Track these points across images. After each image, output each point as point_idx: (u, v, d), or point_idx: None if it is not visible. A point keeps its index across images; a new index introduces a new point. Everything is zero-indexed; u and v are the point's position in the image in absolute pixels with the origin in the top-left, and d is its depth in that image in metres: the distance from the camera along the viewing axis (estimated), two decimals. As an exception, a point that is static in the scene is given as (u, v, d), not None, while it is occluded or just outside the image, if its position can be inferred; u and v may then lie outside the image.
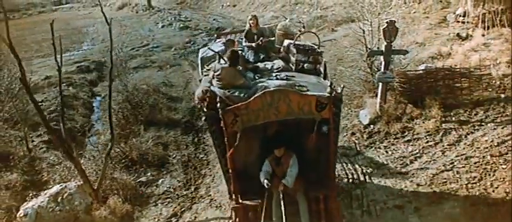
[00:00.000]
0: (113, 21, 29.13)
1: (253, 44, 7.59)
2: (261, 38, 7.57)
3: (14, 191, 10.03)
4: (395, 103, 10.49)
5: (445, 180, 7.85)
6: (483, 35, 14.24)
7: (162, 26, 26.24)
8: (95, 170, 9.39)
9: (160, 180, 9.50)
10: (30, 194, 9.37)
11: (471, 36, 14.48)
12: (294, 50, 7.09)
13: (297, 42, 7.15)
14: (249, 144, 6.47)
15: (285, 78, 6.63)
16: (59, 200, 7.84)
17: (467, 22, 15.38)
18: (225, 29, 24.73)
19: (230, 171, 6.39)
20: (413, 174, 8.17)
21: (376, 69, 11.04)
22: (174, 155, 10.38)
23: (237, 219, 6.58)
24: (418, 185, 7.84)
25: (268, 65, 7.25)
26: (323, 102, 5.96)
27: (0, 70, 13.91)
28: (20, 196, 9.78)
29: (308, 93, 6.10)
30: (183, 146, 10.76)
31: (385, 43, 9.91)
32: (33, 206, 7.77)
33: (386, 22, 9.73)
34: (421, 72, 10.91)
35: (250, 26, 7.83)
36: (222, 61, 6.64)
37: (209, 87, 6.32)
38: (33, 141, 12.92)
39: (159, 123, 12.06)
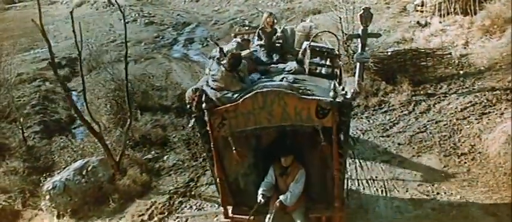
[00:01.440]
0: (76, 18, 29.81)
1: (263, 42, 7.35)
2: (276, 35, 7.36)
3: (21, 176, 10.93)
4: (370, 81, 12.24)
5: (420, 139, 9.61)
6: (440, 22, 16.35)
7: (127, 22, 26.84)
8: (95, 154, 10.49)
9: (165, 157, 10.68)
10: (42, 177, 10.35)
11: (429, 23, 16.56)
12: (308, 52, 6.69)
13: (312, 44, 6.74)
14: (242, 151, 5.99)
15: (291, 80, 6.17)
16: (83, 172, 8.88)
17: (425, 11, 17.48)
18: (190, 23, 25.95)
19: (218, 180, 6.08)
20: (393, 136, 9.89)
21: (352, 52, 12.75)
22: (173, 135, 11.55)
23: None
24: (399, 144, 9.56)
25: (281, 67, 6.89)
26: (325, 108, 5.41)
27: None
28: (28, 179, 10.74)
29: (308, 96, 5.57)
30: (180, 127, 11.94)
31: (362, 27, 11.60)
32: (60, 179, 8.77)
33: (363, 9, 11.41)
34: (391, 53, 12.73)
35: (265, 24, 7.54)
36: (223, 62, 6.04)
37: (202, 86, 5.90)
38: (24, 132, 13.61)
39: (152, 108, 13.18)
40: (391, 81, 12.22)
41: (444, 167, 8.63)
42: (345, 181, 6.66)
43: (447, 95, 11.39)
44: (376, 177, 8.38)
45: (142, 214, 8.19)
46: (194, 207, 8.17)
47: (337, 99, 5.40)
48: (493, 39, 13.54)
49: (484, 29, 14.08)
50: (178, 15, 28.22)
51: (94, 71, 19.80)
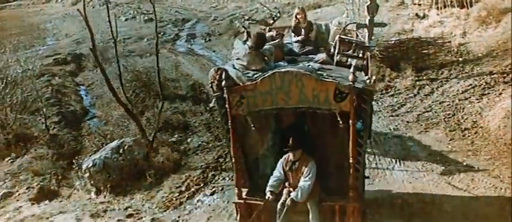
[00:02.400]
0: (71, 16, 30.82)
1: (300, 38, 7.63)
2: (311, 28, 7.63)
3: (50, 160, 11.97)
4: (376, 68, 13.46)
5: (427, 118, 10.86)
6: (438, 14, 17.65)
7: (126, 19, 27.95)
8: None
9: (188, 139, 11.77)
10: (74, 159, 11.41)
11: (427, 15, 17.85)
12: (338, 43, 6.80)
13: (342, 36, 6.92)
14: (260, 133, 6.26)
15: (316, 67, 6.35)
16: (120, 151, 9.94)
17: (423, 4, 18.79)
18: (189, 19, 27.01)
19: (233, 159, 6.20)
20: (402, 115, 11.12)
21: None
22: (194, 121, 12.65)
23: (239, 217, 6.39)
24: (407, 122, 10.79)
25: (310, 58, 7.10)
26: (343, 91, 5.49)
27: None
28: (57, 164, 11.79)
29: (326, 79, 5.69)
30: (199, 113, 13.04)
31: (369, 17, 12.80)
32: (99, 157, 9.82)
33: (370, 0, 12.62)
34: (394, 42, 13.98)
35: (298, 19, 7.81)
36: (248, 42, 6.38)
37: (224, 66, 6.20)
38: (43, 123, 14.60)
39: (169, 97, 14.24)
40: (395, 68, 13.46)
41: (450, 140, 9.86)
42: (364, 173, 6.65)
43: (448, 80, 12.66)
44: (390, 148, 9.55)
45: (179, 186, 9.27)
46: (227, 178, 9.25)
47: (357, 85, 5.45)
48: (489, 29, 14.84)
49: (481, 20, 15.37)
50: (176, 12, 29.22)
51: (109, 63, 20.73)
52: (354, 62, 6.65)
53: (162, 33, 24.73)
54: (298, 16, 7.89)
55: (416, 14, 18.04)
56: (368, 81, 5.77)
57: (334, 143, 6.06)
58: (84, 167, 9.98)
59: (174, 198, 8.92)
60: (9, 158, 12.69)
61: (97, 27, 26.87)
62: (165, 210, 8.64)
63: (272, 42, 7.11)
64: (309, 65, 6.51)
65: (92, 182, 9.90)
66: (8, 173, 11.51)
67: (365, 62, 6.72)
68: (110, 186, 9.70)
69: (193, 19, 27.06)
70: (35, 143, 13.05)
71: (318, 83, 5.60)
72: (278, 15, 20.66)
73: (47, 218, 8.64)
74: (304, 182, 5.92)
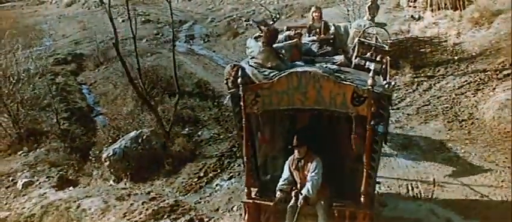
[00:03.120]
0: (66, 17, 31.59)
1: (315, 37, 7.74)
2: (328, 33, 7.76)
3: (64, 153, 12.73)
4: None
5: (426, 110, 11.84)
6: (432, 16, 18.72)
7: (122, 21, 28.57)
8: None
9: (199, 132, 12.60)
10: (91, 151, 12.20)
11: (422, 17, 18.90)
12: (356, 46, 6.85)
13: (361, 39, 6.93)
14: (273, 133, 6.39)
15: (333, 69, 6.39)
16: (139, 141, 10.74)
17: (418, 6, 19.87)
18: (186, 21, 27.83)
19: (245, 158, 6.27)
20: (403, 109, 12.08)
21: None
22: (203, 115, 13.49)
23: (247, 217, 6.43)
24: (408, 114, 11.75)
25: (328, 60, 7.17)
26: (361, 95, 5.53)
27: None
28: (71, 156, 12.54)
29: (344, 82, 5.72)
30: (207, 108, 13.88)
31: (370, 17, 13.79)
32: (119, 146, 10.60)
33: (371, 1, 13.61)
34: (393, 41, 14.96)
35: (313, 18, 8.04)
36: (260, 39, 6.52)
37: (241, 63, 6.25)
38: (52, 119, 15.30)
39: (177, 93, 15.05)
40: (394, 66, 14.40)
41: (448, 130, 10.84)
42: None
43: (445, 77, 13.66)
44: (392, 138, 10.48)
45: (197, 172, 10.10)
46: (243, 165, 10.06)
47: (375, 89, 5.46)
48: (482, 30, 15.90)
49: (474, 21, 16.44)
50: (172, 13, 29.94)
51: (102, 66, 21.52)
52: (372, 65, 6.68)
53: (160, 34, 25.59)
54: (314, 14, 8.11)
55: (412, 16, 19.08)
56: (387, 86, 5.74)
57: (348, 146, 5.90)
58: (104, 156, 10.74)
59: (193, 183, 9.73)
60: (21, 151, 13.39)
61: (94, 28, 27.76)
62: (186, 194, 9.45)
63: (289, 41, 7.25)
64: (326, 67, 6.49)
65: (111, 170, 10.66)
66: (25, 164, 12.23)
67: (383, 66, 6.69)
68: (130, 173, 10.47)
69: (190, 21, 27.85)
70: (47, 138, 13.75)
71: (335, 85, 5.62)
72: (278, 16, 21.57)
73: (74, 201, 9.35)
74: (312, 177, 5.94)
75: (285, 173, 6.19)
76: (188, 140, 11.60)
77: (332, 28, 7.94)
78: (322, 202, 6.13)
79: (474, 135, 10.51)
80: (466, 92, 12.48)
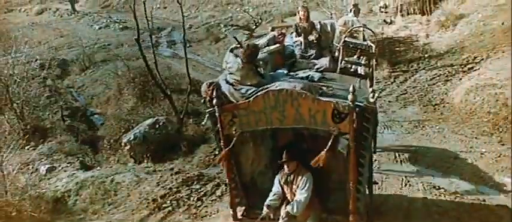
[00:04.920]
0: (39, 25, 33.11)
1: (298, 40, 7.81)
2: (314, 30, 7.81)
3: (73, 144, 14.46)
4: (358, 62, 16.89)
5: (404, 98, 14.31)
6: (402, 21, 21.47)
7: (99, 28, 30.30)
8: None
9: (203, 122, 14.56)
10: (105, 140, 13.99)
11: (394, 21, 21.63)
12: (341, 48, 7.09)
13: (347, 39, 7.18)
14: (256, 151, 6.34)
15: (316, 78, 6.65)
16: (156, 126, 12.66)
17: (389, 12, 22.62)
18: (164, 28, 29.69)
19: (227, 180, 6.35)
20: (384, 97, 14.50)
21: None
22: (203, 108, 15.40)
23: None
24: (389, 101, 14.20)
25: (312, 63, 7.40)
26: (342, 112, 5.50)
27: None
28: (80, 148, 14.30)
29: (323, 98, 5.67)
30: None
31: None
32: (139, 131, 12.49)
33: (353, 5, 16.01)
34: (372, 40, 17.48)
35: (300, 18, 7.99)
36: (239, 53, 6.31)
37: (218, 80, 6.19)
38: (52, 117, 16.97)
39: (175, 90, 17.01)
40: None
41: (424, 113, 13.31)
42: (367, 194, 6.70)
43: (418, 71, 16.24)
44: (378, 120, 12.81)
45: (212, 151, 12.09)
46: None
47: (357, 103, 5.45)
48: (448, 31, 18.65)
49: (440, 24, 19.21)
50: (148, 21, 31.74)
51: (88, 70, 23.19)
52: (361, 69, 7.07)
53: (141, 40, 27.32)
54: (300, 14, 8.07)
55: (384, 20, 21.78)
56: (371, 96, 5.82)
57: (334, 161, 5.89)
58: (124, 141, 12.59)
59: (211, 160, 11.73)
60: (28, 146, 14.97)
61: (73, 34, 29.24)
62: (206, 168, 11.43)
63: (272, 46, 7.54)
64: (308, 75, 6.75)
65: (131, 153, 12.51)
66: (41, 155, 13.85)
67: (370, 69, 6.95)
68: (150, 155, 12.34)
69: (168, 27, 29.73)
70: (51, 133, 15.38)
71: (314, 103, 5.57)
72: (260, 21, 23.97)
73: (107, 177, 11.15)
74: (300, 194, 5.98)
75: (275, 188, 6.26)
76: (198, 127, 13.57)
77: (318, 26, 8.00)
78: (312, 218, 6.24)
79: (446, 115, 12.99)
80: (437, 83, 15.03)
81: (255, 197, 6.66)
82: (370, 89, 6.25)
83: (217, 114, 5.98)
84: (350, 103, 5.43)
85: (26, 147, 14.86)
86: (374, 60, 7.66)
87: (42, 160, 13.49)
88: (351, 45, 7.41)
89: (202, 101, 6.41)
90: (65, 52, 26.05)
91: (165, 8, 34.18)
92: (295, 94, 5.65)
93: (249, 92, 5.92)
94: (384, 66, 16.47)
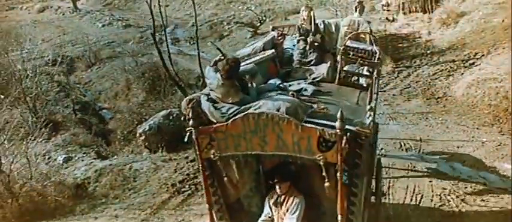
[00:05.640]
0: (41, 23, 33.97)
1: (300, 44, 7.53)
2: (314, 36, 7.44)
3: (86, 136, 15.20)
4: (362, 58, 17.70)
5: (408, 91, 15.10)
6: (404, 19, 22.29)
7: (103, 26, 31.03)
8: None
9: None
10: (119, 132, 14.73)
11: (396, 19, 22.44)
12: (340, 58, 6.69)
13: (349, 43, 6.82)
14: (240, 174, 5.92)
15: (309, 92, 6.29)
16: (170, 118, 13.39)
17: (391, 10, 23.44)
18: (167, 26, 30.43)
19: (207, 206, 5.94)
20: (388, 91, 15.30)
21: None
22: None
23: None
24: (393, 95, 14.98)
25: (309, 72, 7.08)
26: (328, 140, 5.06)
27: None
28: (94, 140, 15.04)
29: (308, 125, 5.16)
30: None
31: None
32: (153, 122, 13.22)
33: (358, 2, 16.84)
34: (376, 37, 18.28)
35: (304, 19, 7.64)
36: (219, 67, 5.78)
37: (199, 96, 5.81)
38: (63, 110, 17.71)
39: (184, 85, 17.77)
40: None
41: (427, 105, 14.09)
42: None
43: (421, 66, 17.05)
44: (383, 112, 13.61)
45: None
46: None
47: (348, 127, 5.00)
48: (449, 29, 19.46)
49: (442, 22, 20.02)
50: (150, 19, 32.52)
51: (94, 66, 23.96)
52: (363, 79, 6.70)
53: (144, 38, 28.13)
54: (304, 14, 7.73)
55: (387, 18, 22.58)
56: (367, 118, 5.27)
57: (323, 187, 5.42)
58: (139, 131, 13.31)
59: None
60: (41, 138, 15.69)
61: (76, 32, 29.98)
62: (220, 156, 12.14)
63: (266, 52, 7.16)
64: (301, 88, 6.40)
65: (146, 143, 13.23)
66: (56, 146, 14.62)
67: (373, 80, 6.32)
68: (164, 145, 13.07)
69: (170, 25, 30.45)
70: (64, 126, 16.12)
71: (297, 129, 5.12)
72: (264, 18, 24.76)
73: (125, 165, 11.89)
74: (289, 219, 5.70)
75: (266, 210, 5.98)
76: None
77: (321, 26, 7.76)
78: None
79: (448, 108, 13.78)
80: (439, 77, 15.84)
81: (242, 220, 6.27)
82: (368, 107, 5.55)
83: (193, 136, 5.56)
84: (337, 131, 4.91)
85: (39, 140, 15.58)
86: (378, 69, 6.78)
87: (58, 151, 14.21)
88: (352, 53, 6.94)
89: (182, 118, 5.93)
90: (69, 49, 26.72)
91: (167, 6, 34.87)
92: (277, 119, 5.16)
93: (230, 111, 5.46)
94: (388, 62, 17.25)
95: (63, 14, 34.41)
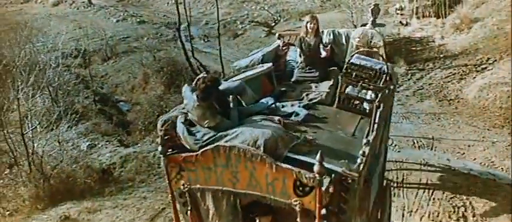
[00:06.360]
0: (56, 16, 34.86)
1: (301, 59, 7.00)
2: (323, 44, 6.95)
3: (108, 125, 15.99)
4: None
5: (421, 93, 15.84)
6: (418, 23, 23.04)
7: (117, 21, 31.85)
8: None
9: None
10: (140, 122, 15.50)
11: (409, 23, 23.20)
12: (344, 75, 6.18)
13: (354, 61, 6.31)
14: (216, 207, 5.43)
15: (301, 117, 5.72)
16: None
17: (405, 14, 24.20)
18: (181, 23, 31.30)
19: None
20: (401, 92, 16.04)
21: (360, 39, 18.93)
22: (230, 96, 17.05)
23: None
24: (407, 95, 15.71)
25: (306, 91, 6.54)
26: (305, 184, 4.56)
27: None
28: (115, 129, 15.82)
29: (284, 165, 4.64)
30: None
31: (372, 18, 17.78)
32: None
33: (374, 4, 17.57)
34: (390, 39, 19.04)
35: (307, 30, 7.04)
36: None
37: (176, 117, 5.53)
38: (83, 101, 18.50)
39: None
40: (390, 61, 18.43)
41: (440, 106, 14.83)
42: None
43: (433, 69, 17.78)
44: (396, 112, 14.33)
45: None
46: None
47: (335, 168, 4.57)
48: (462, 34, 20.19)
49: (455, 27, 20.75)
50: (164, 16, 33.40)
51: (110, 60, 24.78)
52: (366, 105, 6.03)
53: (159, 34, 28.95)
54: (308, 25, 7.07)
55: (400, 22, 23.35)
56: (361, 153, 4.65)
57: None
58: (160, 122, 14.03)
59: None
60: (67, 125, 16.49)
61: (91, 26, 30.81)
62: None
63: (263, 66, 6.73)
64: (293, 112, 5.85)
65: (167, 133, 13.98)
66: (79, 134, 15.39)
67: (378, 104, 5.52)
68: (186, 135, 13.82)
69: (184, 23, 31.28)
70: (84, 116, 16.90)
71: (271, 168, 4.65)
72: (279, 18, 25.55)
73: (148, 152, 12.66)
74: None
75: None
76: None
77: (330, 36, 7.33)
78: None
79: (460, 109, 14.51)
80: (451, 80, 16.56)
81: None
82: (364, 140, 4.82)
83: (162, 164, 5.28)
84: (316, 175, 4.38)
85: (61, 128, 16.39)
86: (385, 92, 5.89)
87: (81, 138, 15.00)
88: (355, 72, 6.31)
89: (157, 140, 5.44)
90: (85, 43, 27.48)
91: (180, 3, 35.74)
92: (249, 155, 4.70)
93: (205, 138, 5.12)
94: (401, 64, 18.00)
95: (78, 9, 35.21)
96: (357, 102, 6.20)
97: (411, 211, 9.69)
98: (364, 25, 8.07)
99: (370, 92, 6.14)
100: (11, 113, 13.49)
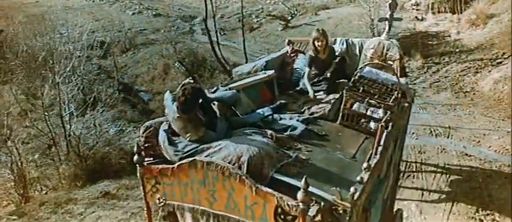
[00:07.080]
0: (72, 9, 35.97)
1: (312, 75, 6.63)
2: (335, 61, 6.65)
3: (133, 113, 16.89)
4: (393, 53, 19.28)
5: (437, 85, 16.65)
6: (433, 18, 23.80)
7: (133, 14, 32.80)
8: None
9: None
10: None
11: (425, 18, 23.96)
12: (350, 90, 5.76)
13: (363, 74, 5.95)
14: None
15: (297, 132, 5.40)
16: (216, 97, 15.05)
17: (420, 9, 24.98)
18: (196, 16, 32.20)
19: None
20: (418, 84, 16.87)
21: (377, 33, 19.72)
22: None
23: None
24: (423, 87, 16.54)
25: (309, 104, 6.20)
26: (288, 212, 4.16)
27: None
28: (139, 117, 16.72)
29: (264, 188, 4.32)
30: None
31: (389, 12, 18.58)
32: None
33: None
34: (406, 33, 19.84)
35: (316, 48, 6.69)
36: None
37: (161, 123, 5.29)
38: (106, 90, 19.39)
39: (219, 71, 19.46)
40: (407, 54, 19.25)
41: (456, 98, 15.64)
42: None
43: (449, 63, 18.58)
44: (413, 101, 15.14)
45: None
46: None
47: (323, 194, 4.29)
48: (478, 29, 20.95)
49: (471, 22, 21.51)
50: (179, 9, 34.32)
51: (129, 51, 25.72)
52: (373, 124, 5.63)
53: (175, 27, 29.88)
54: (316, 43, 6.73)
55: (416, 17, 24.12)
56: (356, 184, 4.33)
57: None
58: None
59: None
60: (88, 114, 17.42)
61: (106, 19, 31.76)
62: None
63: (266, 73, 6.44)
64: (290, 126, 5.55)
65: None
66: (107, 120, 16.30)
67: (380, 126, 5.17)
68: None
69: (199, 16, 32.19)
70: (109, 104, 17.79)
71: (252, 192, 4.34)
72: (296, 12, 26.37)
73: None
74: None
75: None
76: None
77: (343, 45, 7.12)
78: None
79: (476, 101, 15.32)
80: (467, 74, 17.37)
81: None
82: (364, 165, 4.56)
83: (138, 174, 5.07)
84: (299, 204, 4.06)
85: (86, 115, 17.32)
86: (394, 111, 5.58)
87: (109, 124, 15.92)
88: (363, 87, 5.92)
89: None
90: (102, 35, 28.44)
91: (203, -4, 36.74)
92: (227, 173, 4.44)
93: (186, 149, 4.93)
94: (417, 57, 18.81)
95: (93, 1, 36.20)
96: (363, 120, 5.86)
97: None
98: (379, 33, 7.66)
99: (380, 110, 5.77)
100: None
